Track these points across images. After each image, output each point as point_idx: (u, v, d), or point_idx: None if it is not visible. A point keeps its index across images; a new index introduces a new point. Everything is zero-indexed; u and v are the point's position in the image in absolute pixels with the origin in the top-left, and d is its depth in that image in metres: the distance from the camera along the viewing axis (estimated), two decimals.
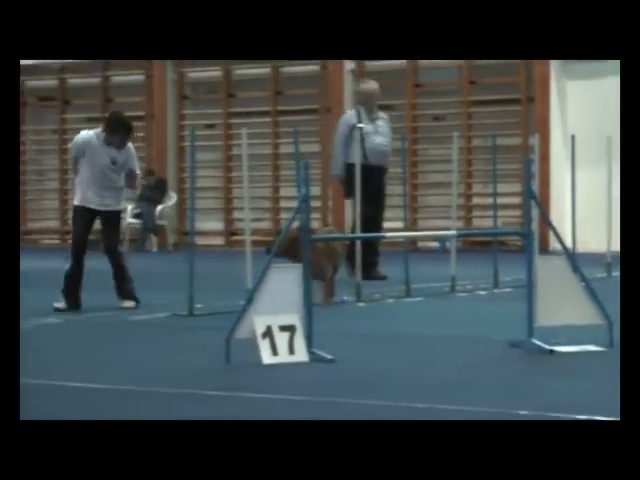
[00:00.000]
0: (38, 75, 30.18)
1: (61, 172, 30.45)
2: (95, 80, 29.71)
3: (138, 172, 15.39)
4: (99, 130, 14.77)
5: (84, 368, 10.27)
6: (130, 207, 28.24)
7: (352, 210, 17.67)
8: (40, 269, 22.78)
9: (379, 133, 17.45)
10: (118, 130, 14.73)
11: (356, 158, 15.99)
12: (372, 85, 18.25)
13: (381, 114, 18.22)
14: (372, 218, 17.05)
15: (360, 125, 17.09)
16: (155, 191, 27.98)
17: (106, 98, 29.56)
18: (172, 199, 28.22)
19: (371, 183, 16.66)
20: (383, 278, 17.32)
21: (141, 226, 28.13)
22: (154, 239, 28.07)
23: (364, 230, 16.37)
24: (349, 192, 17.18)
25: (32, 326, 13.23)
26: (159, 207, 28.03)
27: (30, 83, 30.47)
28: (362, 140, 16.76)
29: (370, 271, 17.09)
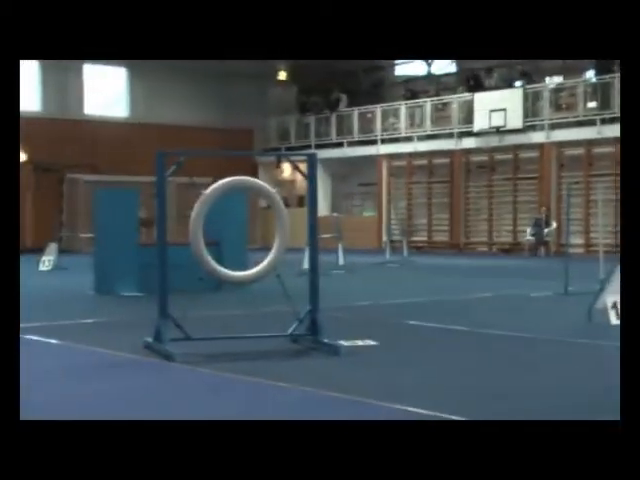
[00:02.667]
0: (477, 154, 30.23)
1: (489, 209, 30.35)
2: (509, 156, 29.46)
3: None
4: None
5: (504, 323, 10.27)
6: (528, 229, 27.90)
7: None
8: (475, 265, 22.80)
9: None
10: None
11: None
12: None
13: None
14: None
15: None
16: (543, 221, 27.57)
17: (516, 167, 29.29)
18: (553, 225, 27.70)
19: None
20: None
21: (535, 241, 27.72)
22: (543, 249, 27.60)
23: None
24: None
25: (474, 298, 13.31)
26: (546, 230, 27.56)
27: (472, 159, 30.57)
28: None
29: None
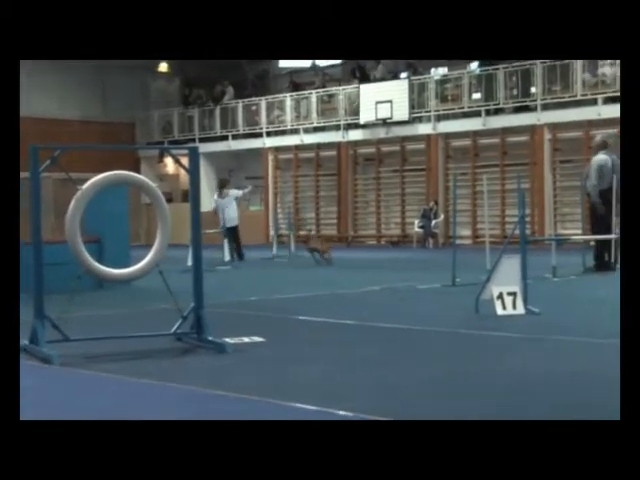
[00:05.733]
0: (364, 146, 30.55)
1: (377, 202, 30.68)
2: (396, 148, 29.85)
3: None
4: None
5: (392, 315, 10.40)
6: (416, 221, 28.33)
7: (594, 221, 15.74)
8: (363, 258, 23.06)
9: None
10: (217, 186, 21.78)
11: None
12: (597, 139, 16.21)
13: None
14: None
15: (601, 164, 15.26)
16: (431, 213, 28.04)
17: (403, 158, 29.68)
18: (441, 217, 28.20)
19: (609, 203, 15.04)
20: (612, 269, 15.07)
21: (423, 233, 28.19)
22: (431, 240, 28.09)
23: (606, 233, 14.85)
24: (605, 209, 15.16)
25: (362, 292, 13.44)
26: (434, 221, 28.04)
27: (359, 151, 30.87)
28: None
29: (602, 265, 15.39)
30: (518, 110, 26.84)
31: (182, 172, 32.56)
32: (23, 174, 5.69)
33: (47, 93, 33.45)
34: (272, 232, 27.65)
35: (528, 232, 17.43)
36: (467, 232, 27.69)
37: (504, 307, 9.98)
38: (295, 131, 31.89)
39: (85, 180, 8.13)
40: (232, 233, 21.14)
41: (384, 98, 28.62)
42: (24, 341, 7.98)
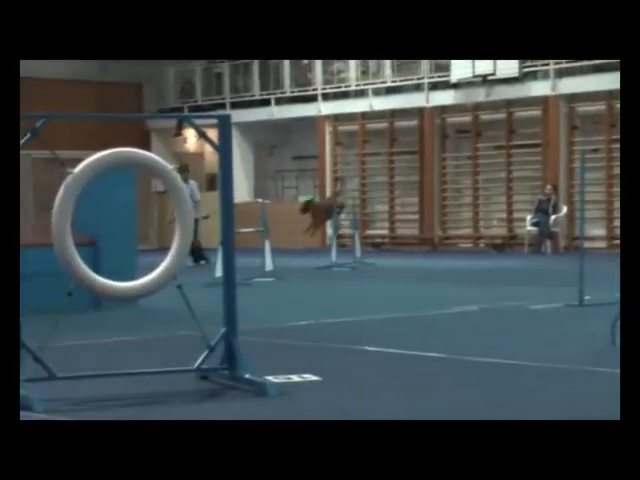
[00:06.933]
0: (455, 113, 30.49)
1: (474, 190, 30.58)
2: (501, 115, 29.70)
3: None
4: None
5: (495, 346, 10.37)
6: (529, 217, 28.18)
7: None
8: (456, 267, 23.03)
9: None
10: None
11: None
12: None
13: None
14: None
15: None
16: (549, 204, 27.86)
17: (510, 130, 29.53)
18: (563, 210, 28.01)
19: None
20: None
21: (538, 232, 28.03)
22: (549, 243, 27.93)
23: None
24: None
25: (454, 313, 13.43)
26: (553, 217, 27.87)
27: (450, 120, 30.81)
28: None
29: None
30: None
31: (208, 149, 32.75)
32: None
33: None
34: (330, 232, 27.68)
35: None
36: (600, 231, 27.45)
37: None
38: (361, 93, 31.90)
39: (77, 160, 8.22)
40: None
41: None
42: None
